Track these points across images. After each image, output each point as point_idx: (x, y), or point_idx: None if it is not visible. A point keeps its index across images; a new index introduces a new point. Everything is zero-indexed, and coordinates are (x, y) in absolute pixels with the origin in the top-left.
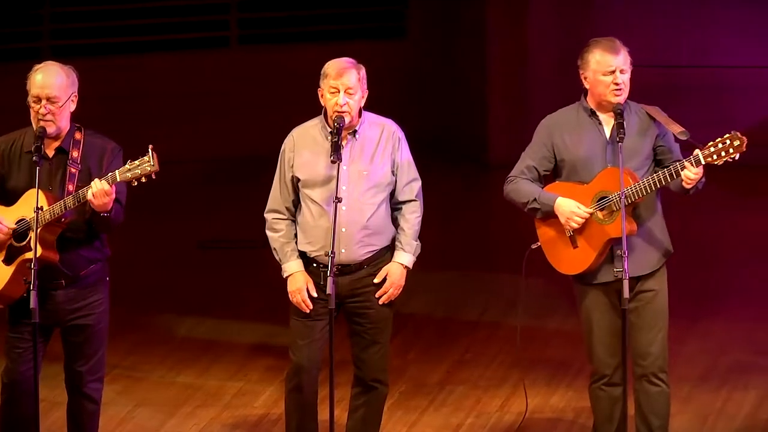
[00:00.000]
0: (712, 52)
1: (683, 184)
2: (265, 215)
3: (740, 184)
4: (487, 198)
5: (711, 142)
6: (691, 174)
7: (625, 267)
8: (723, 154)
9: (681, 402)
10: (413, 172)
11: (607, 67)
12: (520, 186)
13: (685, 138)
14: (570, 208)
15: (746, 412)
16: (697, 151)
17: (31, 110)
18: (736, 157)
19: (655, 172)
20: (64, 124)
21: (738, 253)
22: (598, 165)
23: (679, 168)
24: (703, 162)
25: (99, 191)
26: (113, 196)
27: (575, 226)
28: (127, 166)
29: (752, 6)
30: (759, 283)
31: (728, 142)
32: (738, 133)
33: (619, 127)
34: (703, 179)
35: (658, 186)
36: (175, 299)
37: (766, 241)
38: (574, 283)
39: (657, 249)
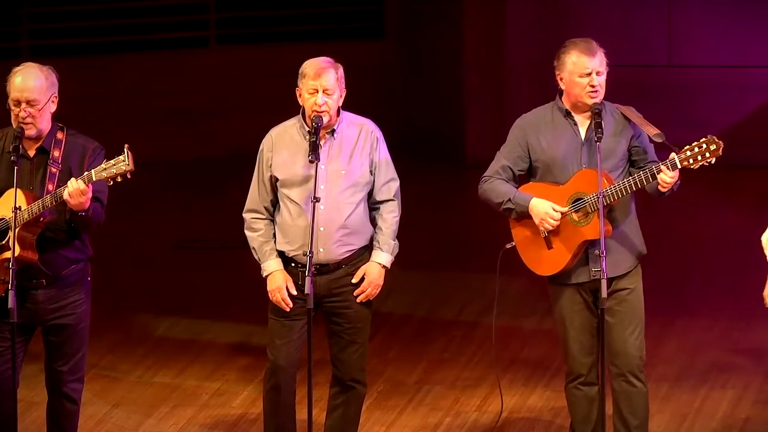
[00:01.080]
0: (687, 52)
1: (659, 187)
2: (243, 215)
3: (717, 184)
4: (464, 197)
5: (687, 146)
6: (667, 178)
7: (603, 266)
8: (699, 158)
9: (659, 401)
10: (391, 171)
11: (584, 69)
12: (495, 186)
13: (660, 140)
14: (544, 209)
15: (724, 411)
16: (673, 155)
17: (12, 113)
18: (712, 161)
19: (630, 174)
20: (45, 125)
21: (716, 253)
22: (573, 166)
23: (655, 171)
24: (679, 166)
25: (75, 191)
26: (89, 195)
27: (549, 227)
28: (102, 165)
29: (727, 5)
30: (737, 283)
31: (704, 146)
32: (714, 138)
33: (597, 126)
34: (679, 181)
35: (635, 189)
36: (153, 299)
37: (743, 240)
38: (549, 283)
39: (631, 250)
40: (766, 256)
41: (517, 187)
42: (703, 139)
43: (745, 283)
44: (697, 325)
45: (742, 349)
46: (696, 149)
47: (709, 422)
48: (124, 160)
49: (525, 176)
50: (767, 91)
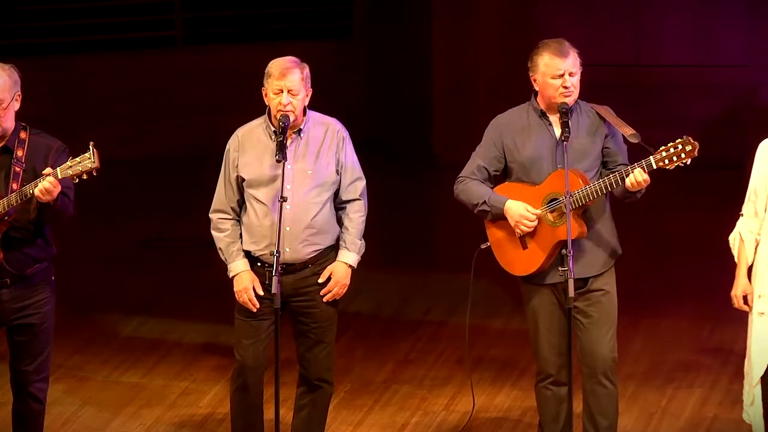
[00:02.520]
0: (655, 51)
1: (630, 187)
2: (210, 215)
3: (685, 184)
4: (432, 196)
5: (663, 147)
6: (639, 178)
7: (570, 266)
8: (675, 159)
9: (626, 400)
10: (358, 171)
11: (556, 71)
12: (471, 187)
13: (635, 141)
14: (519, 211)
15: (691, 411)
16: (650, 158)
17: None
18: (688, 162)
19: (602, 175)
20: (9, 124)
21: (683, 252)
22: (548, 166)
23: (630, 171)
24: (654, 167)
25: (43, 189)
26: (58, 188)
27: (525, 230)
28: (68, 162)
29: (694, 4)
30: (704, 282)
31: (680, 146)
32: (690, 138)
33: (563, 126)
34: (640, 195)
35: (607, 190)
36: (120, 299)
37: (711, 239)
38: (521, 283)
39: (606, 250)
40: (733, 256)
41: (493, 188)
42: (679, 140)
43: (712, 282)
44: (664, 324)
45: (709, 348)
46: (671, 150)
47: (675, 421)
48: (89, 158)
49: (500, 176)
50: (735, 89)
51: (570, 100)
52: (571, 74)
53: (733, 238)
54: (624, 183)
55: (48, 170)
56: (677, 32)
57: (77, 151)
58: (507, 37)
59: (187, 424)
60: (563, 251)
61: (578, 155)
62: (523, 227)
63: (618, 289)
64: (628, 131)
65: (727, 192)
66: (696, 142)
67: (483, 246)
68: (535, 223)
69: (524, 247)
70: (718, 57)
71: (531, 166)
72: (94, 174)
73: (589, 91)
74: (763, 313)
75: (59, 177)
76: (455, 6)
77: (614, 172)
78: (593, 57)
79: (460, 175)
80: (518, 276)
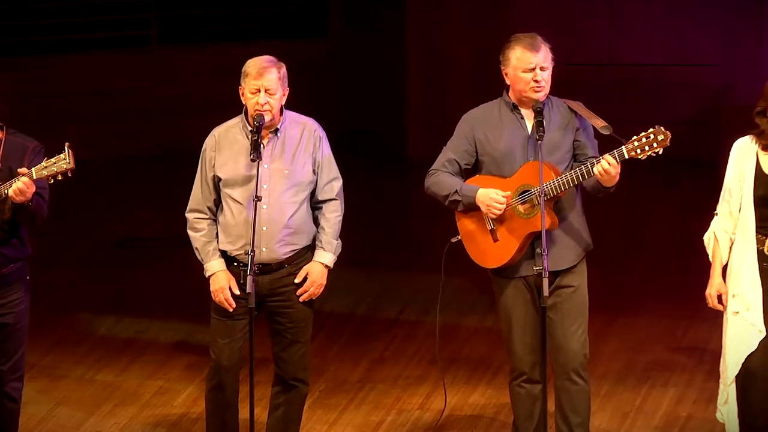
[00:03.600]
0: (628, 50)
1: (598, 175)
2: (186, 215)
3: (659, 182)
4: (406, 196)
5: (635, 137)
6: (607, 165)
7: (545, 265)
8: (647, 148)
9: (601, 399)
10: (334, 170)
11: (527, 65)
12: (441, 179)
13: (607, 132)
14: (489, 194)
15: (665, 410)
16: (621, 147)
17: None
18: (660, 152)
19: (574, 168)
20: None
21: (659, 249)
22: (520, 160)
23: (597, 162)
24: (626, 156)
25: (21, 188)
26: (33, 189)
27: (496, 213)
28: (43, 163)
29: (666, 4)
30: (679, 280)
31: (652, 136)
32: (662, 128)
33: (538, 125)
34: (612, 189)
35: (579, 181)
36: (94, 298)
37: (687, 236)
38: (493, 278)
39: (577, 244)
40: (708, 256)
41: (464, 181)
42: (651, 130)
43: (687, 281)
44: (638, 323)
45: (684, 347)
46: (644, 140)
47: (650, 420)
48: (64, 158)
49: (471, 170)
50: (708, 88)
51: (541, 96)
52: (542, 69)
53: (708, 238)
54: (590, 174)
55: (23, 170)
56: (650, 31)
57: (52, 151)
58: (481, 36)
59: (161, 424)
60: (537, 250)
61: (550, 148)
62: (494, 210)
63: (593, 287)
64: (599, 123)
65: (701, 191)
66: (668, 132)
67: (453, 240)
68: (505, 205)
69: (495, 239)
70: (691, 56)
71: (503, 160)
72: (69, 175)
73: (563, 89)
74: (737, 313)
75: (34, 177)
76: (429, 5)
77: (586, 163)
78: (567, 55)
79: (431, 168)
80: (489, 270)
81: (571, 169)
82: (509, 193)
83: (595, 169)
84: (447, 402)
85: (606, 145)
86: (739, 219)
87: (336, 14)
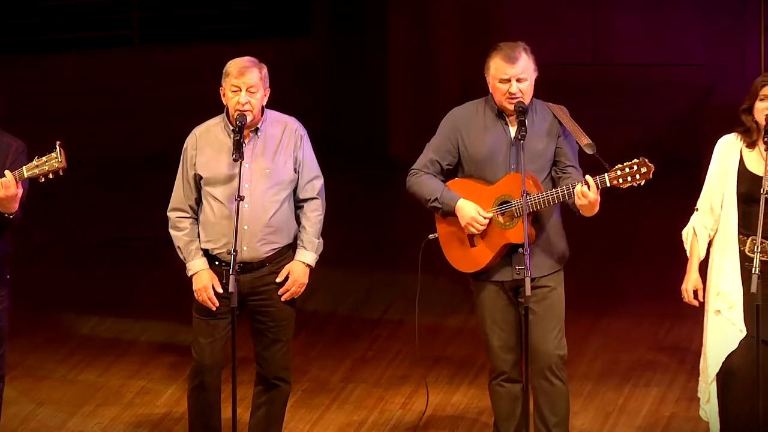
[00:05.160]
0: (611, 50)
1: (576, 199)
2: (168, 214)
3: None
4: (390, 195)
5: (618, 165)
6: (586, 189)
7: (527, 264)
8: (629, 179)
9: (583, 399)
10: (315, 169)
11: (503, 76)
12: (423, 181)
13: (591, 152)
14: (471, 213)
15: (648, 409)
16: (604, 174)
17: None
18: (642, 184)
19: (554, 173)
20: None
21: (641, 252)
22: (502, 164)
23: (582, 183)
24: (608, 184)
25: (7, 194)
26: (19, 194)
27: (475, 232)
28: (34, 162)
29: (650, 3)
30: (661, 281)
31: (635, 167)
32: (646, 160)
33: (520, 125)
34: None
35: (559, 201)
36: (77, 297)
37: (669, 239)
38: (471, 280)
39: (554, 254)
40: (686, 251)
41: (445, 182)
42: (635, 160)
43: (669, 280)
44: (621, 323)
45: (666, 347)
46: (627, 170)
47: (633, 420)
48: (56, 157)
49: (453, 170)
50: (690, 88)
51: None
52: (519, 80)
53: (686, 232)
54: (572, 196)
55: (7, 172)
56: (634, 31)
57: (37, 151)
58: (465, 36)
59: (144, 423)
60: (520, 250)
61: (532, 156)
62: (473, 229)
63: (577, 287)
64: (584, 140)
65: (685, 190)
66: (651, 165)
67: (430, 237)
68: (486, 225)
69: (472, 245)
70: (675, 56)
71: (484, 163)
72: (61, 174)
73: (547, 90)
74: (719, 312)
75: (25, 177)
76: (413, 5)
77: (564, 173)
78: (550, 56)
79: (412, 167)
80: (468, 273)
81: (551, 176)
82: (491, 213)
83: (575, 190)
84: (429, 402)
85: (586, 164)
86: (721, 217)
87: (318, 14)
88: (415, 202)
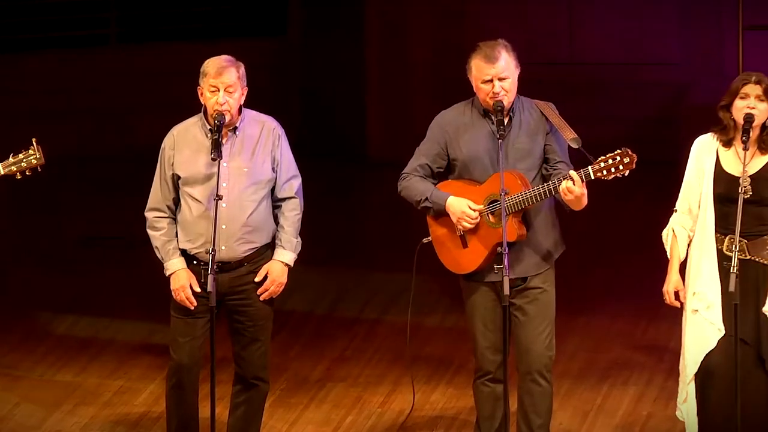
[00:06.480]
0: (588, 49)
1: (562, 194)
2: (145, 214)
3: (621, 181)
4: (367, 194)
5: (601, 157)
6: (571, 184)
7: (506, 263)
8: (613, 170)
9: (561, 398)
10: (293, 169)
11: (485, 77)
12: (413, 183)
13: (577, 146)
14: (461, 207)
15: (626, 408)
16: (588, 167)
17: None
18: (626, 174)
19: (544, 171)
20: None
21: (619, 249)
22: (489, 164)
23: (567, 178)
24: (592, 177)
25: None
26: None
27: (467, 226)
28: (11, 159)
29: (631, 3)
30: (639, 280)
31: (618, 158)
32: (629, 150)
33: (498, 123)
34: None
35: (545, 197)
36: (54, 297)
37: (647, 236)
38: (461, 280)
39: (545, 251)
40: (666, 252)
41: (436, 184)
42: (618, 151)
43: (647, 280)
44: (598, 322)
45: (644, 346)
46: (610, 161)
47: (610, 419)
48: (34, 153)
49: (444, 172)
50: (668, 87)
51: (504, 103)
52: (501, 79)
53: (666, 234)
54: (557, 191)
55: None
56: (611, 30)
57: (12, 149)
58: (440, 35)
59: (122, 423)
60: (499, 249)
61: (520, 155)
62: (465, 224)
63: (555, 285)
64: (569, 135)
65: (662, 189)
66: (634, 155)
67: (424, 240)
68: (477, 219)
69: (465, 245)
70: (652, 55)
71: (472, 164)
72: (39, 170)
73: (524, 89)
74: (697, 311)
75: (2, 173)
76: (388, 4)
77: (554, 170)
78: (527, 55)
79: (403, 171)
80: (458, 273)
81: (542, 174)
82: (481, 207)
83: (560, 186)
84: (408, 401)
85: (573, 159)
86: (699, 217)
87: (295, 13)
88: (394, 201)
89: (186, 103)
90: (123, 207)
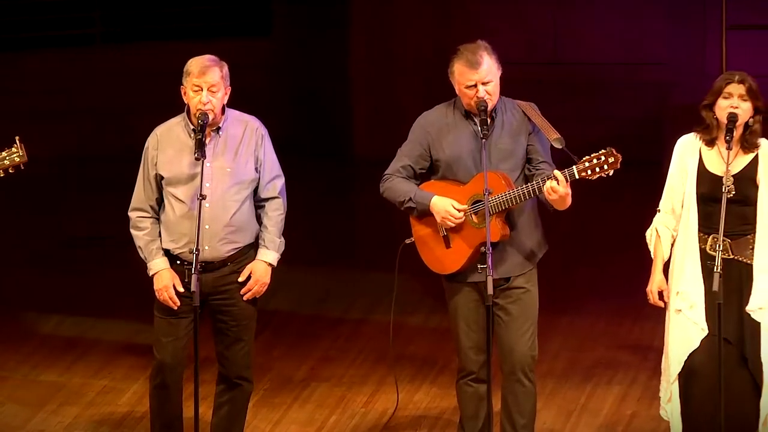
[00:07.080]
0: (573, 49)
1: (546, 194)
2: (129, 213)
3: (605, 180)
4: (351, 194)
5: (586, 157)
6: (555, 184)
7: (489, 263)
8: (597, 170)
9: (545, 397)
10: (276, 169)
11: (468, 82)
12: (396, 184)
13: (560, 146)
14: (445, 207)
15: (609, 408)
16: (573, 167)
17: None
18: (610, 174)
19: (527, 171)
20: None
21: (603, 249)
22: (472, 165)
23: (548, 179)
24: (577, 176)
25: None
26: None
27: (451, 225)
28: None
29: (616, 3)
30: (623, 279)
31: (603, 158)
32: (613, 150)
33: (482, 123)
34: (569, 199)
35: (529, 197)
36: (39, 297)
37: (630, 236)
38: (444, 280)
39: (528, 251)
40: (649, 252)
41: (419, 185)
42: (602, 151)
43: (631, 279)
44: (582, 321)
45: (628, 345)
46: (594, 161)
47: (594, 418)
48: (17, 151)
49: (427, 173)
50: (653, 87)
51: (488, 106)
52: (484, 83)
53: (650, 234)
54: (542, 191)
55: None
56: (596, 30)
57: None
58: (427, 34)
59: (106, 422)
60: (482, 248)
61: (503, 155)
62: (449, 222)
63: (538, 286)
64: (552, 135)
65: (646, 188)
66: (619, 155)
67: (407, 241)
68: (462, 219)
69: (448, 246)
70: (637, 55)
71: (455, 164)
72: (22, 168)
73: (510, 88)
74: (680, 310)
75: None
76: (376, 5)
77: (537, 170)
78: (512, 54)
79: (385, 172)
80: (441, 274)
81: (525, 175)
82: (465, 206)
83: (544, 186)
84: (392, 400)
85: (556, 159)
86: (682, 216)
87: (280, 13)
88: (378, 201)
89: (171, 103)
90: (107, 207)
